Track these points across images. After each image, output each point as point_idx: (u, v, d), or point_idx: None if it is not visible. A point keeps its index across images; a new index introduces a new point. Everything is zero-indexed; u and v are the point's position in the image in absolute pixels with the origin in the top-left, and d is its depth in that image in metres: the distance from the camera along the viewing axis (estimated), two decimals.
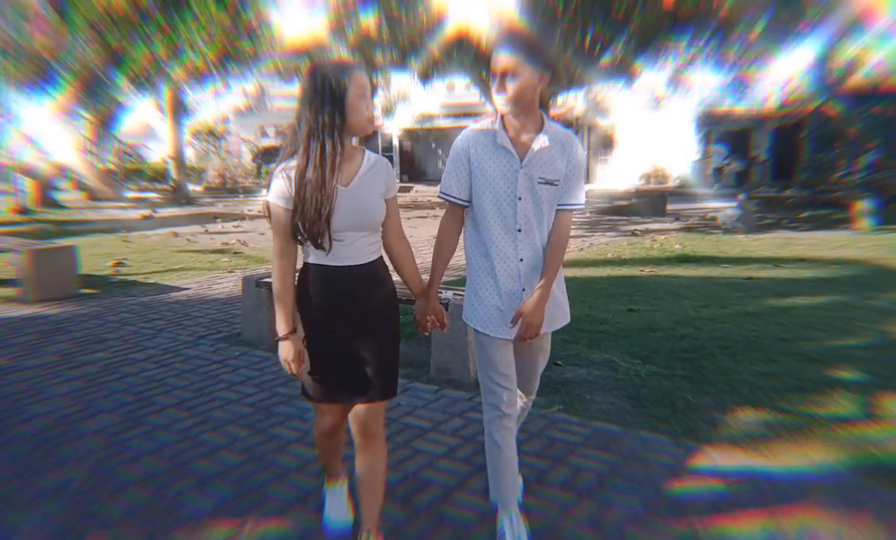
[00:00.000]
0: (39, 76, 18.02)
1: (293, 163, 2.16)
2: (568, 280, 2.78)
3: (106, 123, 23.89)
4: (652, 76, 15.82)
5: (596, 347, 5.06)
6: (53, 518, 2.82)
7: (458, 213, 2.56)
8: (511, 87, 2.31)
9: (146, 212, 18.55)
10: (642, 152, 27.02)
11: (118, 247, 11.54)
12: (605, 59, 14.03)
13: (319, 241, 2.18)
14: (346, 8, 12.75)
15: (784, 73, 15.95)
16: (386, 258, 2.45)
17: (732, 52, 13.57)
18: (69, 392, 4.30)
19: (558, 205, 2.50)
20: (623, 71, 14.65)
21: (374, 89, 18.52)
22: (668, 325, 5.71)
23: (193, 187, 28.07)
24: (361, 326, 2.30)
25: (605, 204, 18.71)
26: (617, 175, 27.20)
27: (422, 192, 25.93)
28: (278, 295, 2.27)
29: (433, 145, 35.26)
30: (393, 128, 32.71)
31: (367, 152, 2.32)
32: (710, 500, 2.87)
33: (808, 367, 4.58)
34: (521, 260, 2.47)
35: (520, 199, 2.42)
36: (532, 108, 2.40)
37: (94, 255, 10.10)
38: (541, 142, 2.39)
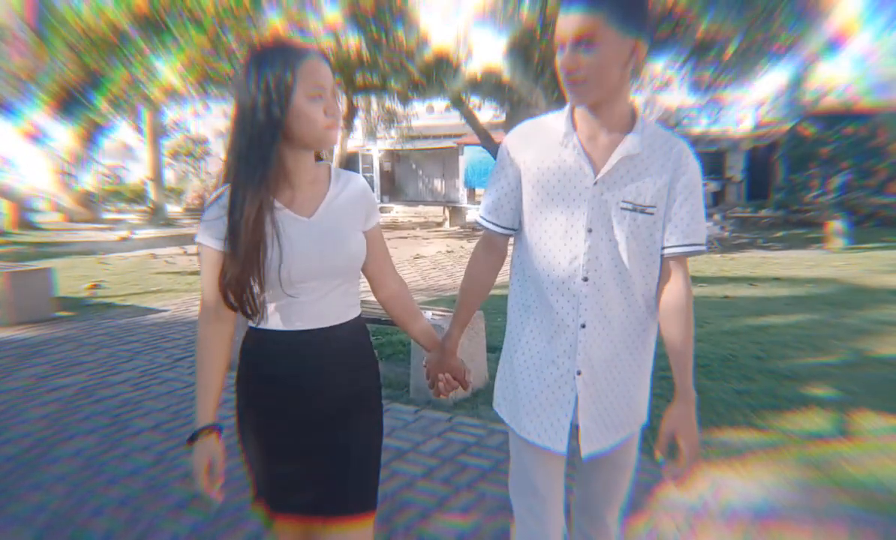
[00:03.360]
0: (17, 97, 17.89)
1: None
2: None
3: (84, 145, 23.72)
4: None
5: None
6: None
7: (496, 244, 1.81)
8: (586, 62, 1.49)
9: (124, 233, 18.39)
10: None
11: (95, 269, 11.43)
12: None
13: (245, 302, 1.55)
14: (327, 30, 12.86)
15: (758, 95, 16.29)
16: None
17: (707, 75, 13.84)
18: (46, 415, 4.25)
19: (668, 247, 1.64)
20: None
21: (353, 110, 18.57)
22: None
23: (172, 208, 27.92)
24: (332, 415, 1.66)
25: None
26: None
27: (402, 212, 26.01)
28: (202, 372, 1.68)
29: (413, 166, 35.43)
30: (374, 148, 32.83)
31: (334, 169, 1.69)
32: (686, 516, 2.90)
33: (783, 384, 4.66)
34: (583, 326, 1.65)
35: (590, 231, 1.61)
36: (619, 97, 1.58)
37: (71, 278, 10.00)
38: (628, 146, 1.57)
